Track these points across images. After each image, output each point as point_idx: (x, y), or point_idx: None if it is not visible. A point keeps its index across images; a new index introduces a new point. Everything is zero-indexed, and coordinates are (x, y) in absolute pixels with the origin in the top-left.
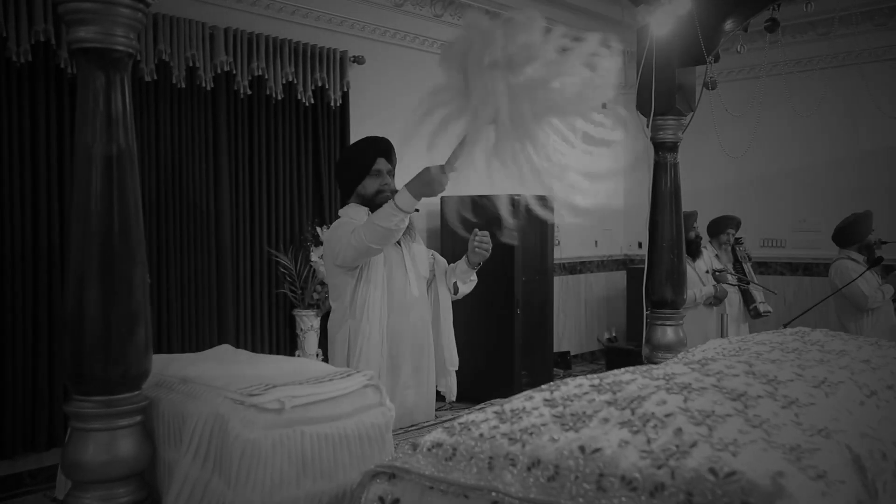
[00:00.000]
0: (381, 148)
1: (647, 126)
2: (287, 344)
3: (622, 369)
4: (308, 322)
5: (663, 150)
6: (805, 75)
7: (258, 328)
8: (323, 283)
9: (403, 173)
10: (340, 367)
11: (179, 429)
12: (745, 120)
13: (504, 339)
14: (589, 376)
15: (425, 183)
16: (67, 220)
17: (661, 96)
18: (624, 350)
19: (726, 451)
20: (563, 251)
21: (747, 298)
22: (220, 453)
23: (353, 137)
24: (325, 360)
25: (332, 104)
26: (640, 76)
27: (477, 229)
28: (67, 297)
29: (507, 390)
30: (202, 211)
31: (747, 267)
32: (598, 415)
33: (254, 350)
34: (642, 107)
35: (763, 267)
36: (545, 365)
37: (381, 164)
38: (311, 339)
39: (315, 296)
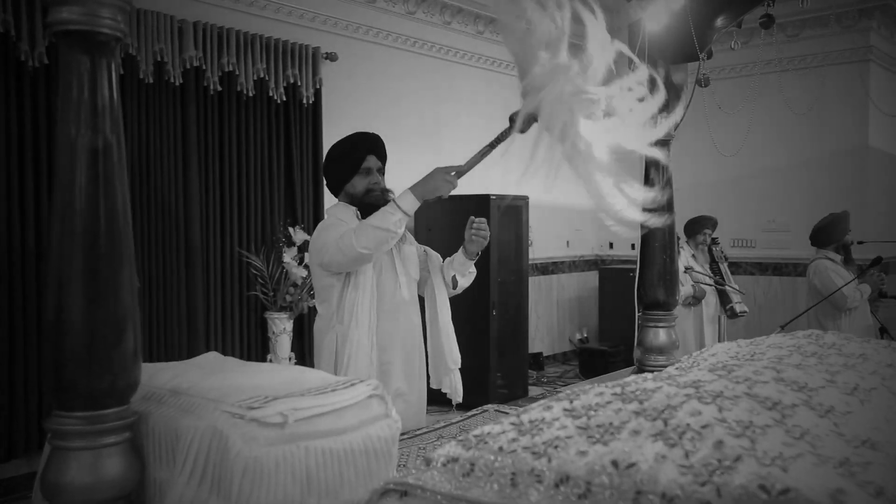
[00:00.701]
0: (371, 144)
1: None
2: (259, 347)
3: (641, 376)
4: (280, 325)
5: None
6: (773, 77)
7: (229, 331)
8: (295, 285)
9: (394, 171)
10: (340, 376)
11: (172, 446)
12: (709, 120)
13: (480, 341)
14: (608, 384)
15: (431, 184)
16: (28, 218)
17: None
18: (597, 351)
19: (774, 466)
20: (535, 252)
21: (724, 299)
22: (220, 472)
23: (326, 135)
24: (298, 363)
25: (305, 101)
26: None
27: (473, 216)
28: (48, 301)
29: (483, 394)
30: (171, 210)
31: (723, 267)
32: (626, 426)
33: (225, 354)
34: None
35: (733, 267)
36: (520, 367)
37: (372, 161)
38: (283, 343)
39: (288, 298)
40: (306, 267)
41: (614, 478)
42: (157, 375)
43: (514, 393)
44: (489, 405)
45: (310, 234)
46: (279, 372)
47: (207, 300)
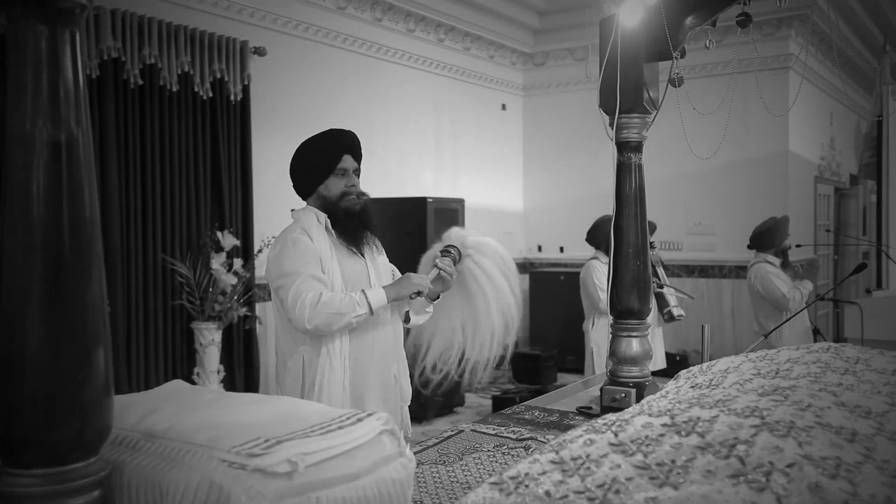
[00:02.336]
0: (348, 143)
1: (612, 125)
2: (184, 360)
3: (683, 398)
4: (209, 336)
5: (627, 150)
6: (701, 80)
7: (152, 343)
8: (224, 293)
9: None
10: (340, 409)
11: None
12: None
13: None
14: (647, 410)
15: (406, 283)
16: None
17: (626, 93)
18: (530, 356)
19: None
20: None
21: (661, 303)
22: None
23: (255, 134)
24: (227, 377)
25: (232, 98)
26: (604, 72)
27: (439, 254)
28: None
29: (421, 404)
30: None
31: (660, 271)
32: (693, 465)
33: (148, 369)
34: (606, 104)
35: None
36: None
37: (348, 161)
38: (211, 354)
39: (216, 307)
40: (236, 274)
41: None
42: (123, 413)
43: (452, 401)
44: (465, 425)
45: (238, 238)
46: (268, 405)
47: (128, 310)
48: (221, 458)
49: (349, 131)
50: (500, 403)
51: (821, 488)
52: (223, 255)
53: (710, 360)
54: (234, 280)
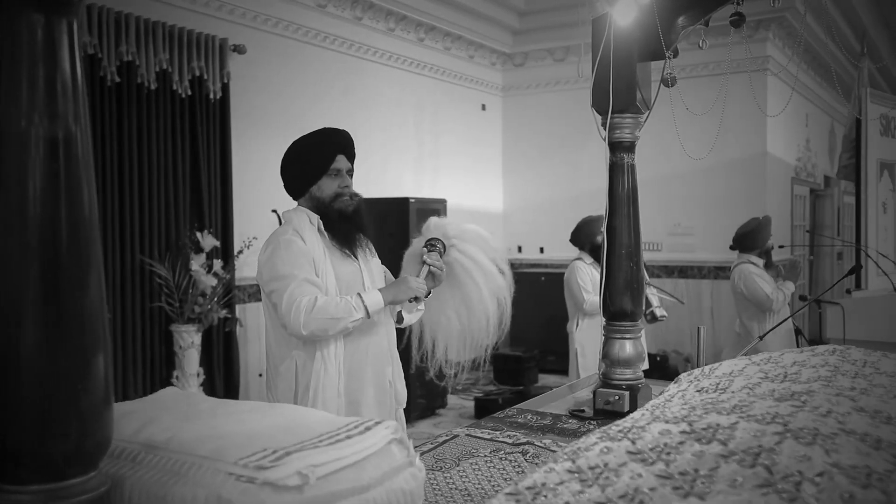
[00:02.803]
0: (341, 143)
1: (604, 125)
2: (163, 363)
3: (695, 403)
4: (188, 338)
5: (620, 150)
6: (680, 82)
7: (130, 346)
8: (204, 295)
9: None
10: (346, 418)
11: None
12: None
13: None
14: (661, 416)
15: (403, 287)
16: None
17: (619, 93)
18: (511, 356)
19: None
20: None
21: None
22: None
23: (235, 133)
24: (207, 380)
25: (212, 96)
26: (597, 71)
27: (425, 249)
28: None
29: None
30: None
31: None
32: (718, 474)
33: (126, 372)
34: (598, 104)
35: None
36: (438, 376)
37: (341, 161)
38: (191, 357)
39: (196, 309)
40: (216, 275)
41: None
42: (119, 423)
43: (434, 403)
44: (459, 429)
45: (218, 238)
46: (269, 413)
47: None
48: (228, 472)
49: (342, 130)
50: (483, 405)
51: (854, 499)
52: (203, 257)
53: (704, 363)
54: (213, 281)
